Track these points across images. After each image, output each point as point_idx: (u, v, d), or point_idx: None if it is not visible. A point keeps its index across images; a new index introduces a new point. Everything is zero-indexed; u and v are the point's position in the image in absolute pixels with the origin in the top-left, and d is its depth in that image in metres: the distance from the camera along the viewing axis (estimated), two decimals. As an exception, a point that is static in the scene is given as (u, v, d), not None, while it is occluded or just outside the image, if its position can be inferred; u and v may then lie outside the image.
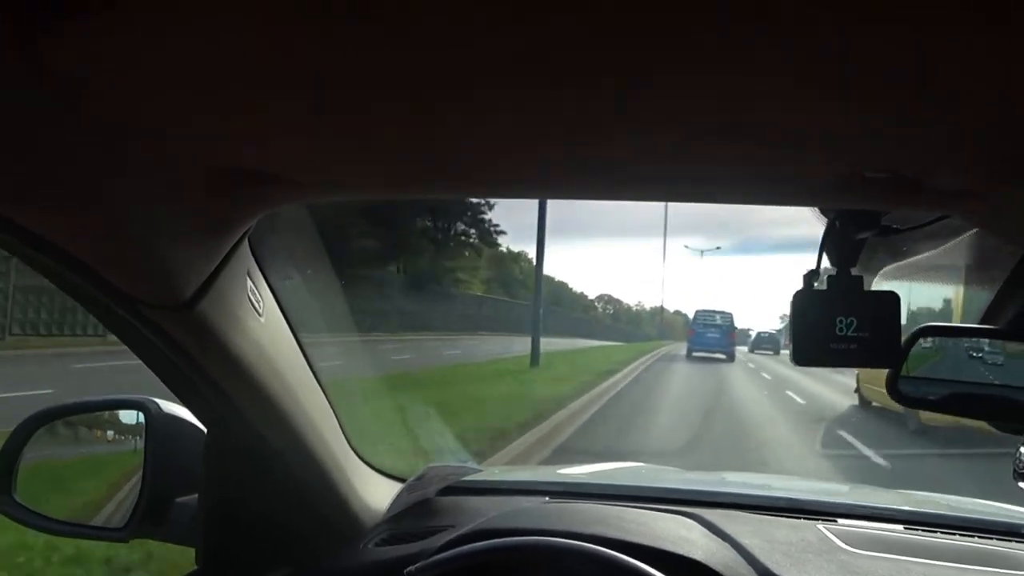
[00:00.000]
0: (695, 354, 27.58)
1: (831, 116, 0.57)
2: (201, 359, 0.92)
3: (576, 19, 0.44)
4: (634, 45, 0.47)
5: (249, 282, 0.93)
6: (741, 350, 34.35)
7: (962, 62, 0.47)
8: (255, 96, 0.56)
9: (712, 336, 28.44)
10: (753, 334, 42.90)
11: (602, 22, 0.44)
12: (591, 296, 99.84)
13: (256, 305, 0.95)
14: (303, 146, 0.69)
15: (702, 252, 67.59)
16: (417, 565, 1.10)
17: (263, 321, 0.97)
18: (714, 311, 29.97)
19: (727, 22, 0.44)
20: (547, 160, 0.71)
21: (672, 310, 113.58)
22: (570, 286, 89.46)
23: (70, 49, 0.48)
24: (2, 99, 0.52)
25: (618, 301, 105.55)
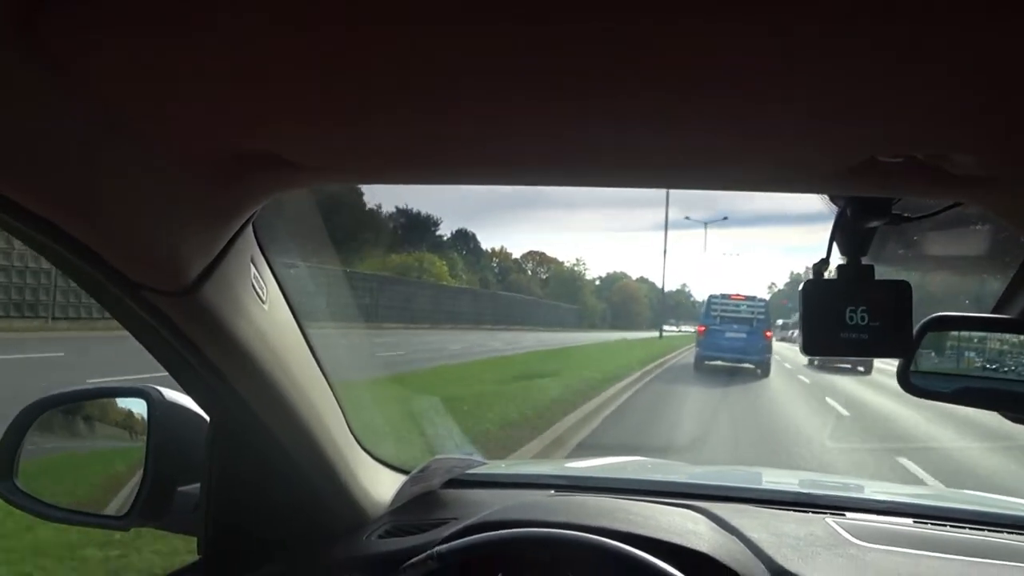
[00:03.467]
0: (709, 363, 18.30)
1: (845, 101, 0.56)
2: (203, 346, 0.91)
3: (580, 6, 0.44)
4: (643, 32, 0.46)
5: (253, 268, 0.92)
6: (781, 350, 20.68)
7: (978, 45, 0.46)
8: (259, 80, 0.56)
9: (735, 336, 18.12)
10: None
11: (606, 7, 0.44)
12: (516, 255, 76.78)
13: (259, 292, 0.94)
14: (307, 130, 0.68)
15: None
16: (447, 546, 1.10)
17: (266, 308, 0.97)
18: (737, 299, 19.20)
19: (736, 8, 0.43)
20: (553, 146, 0.70)
21: (635, 276, 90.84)
22: (479, 240, 68.31)
23: (70, 33, 0.48)
24: (6, 85, 0.52)
25: (553, 260, 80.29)
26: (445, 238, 59.75)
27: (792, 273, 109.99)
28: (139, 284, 0.80)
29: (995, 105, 0.56)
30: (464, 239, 65.27)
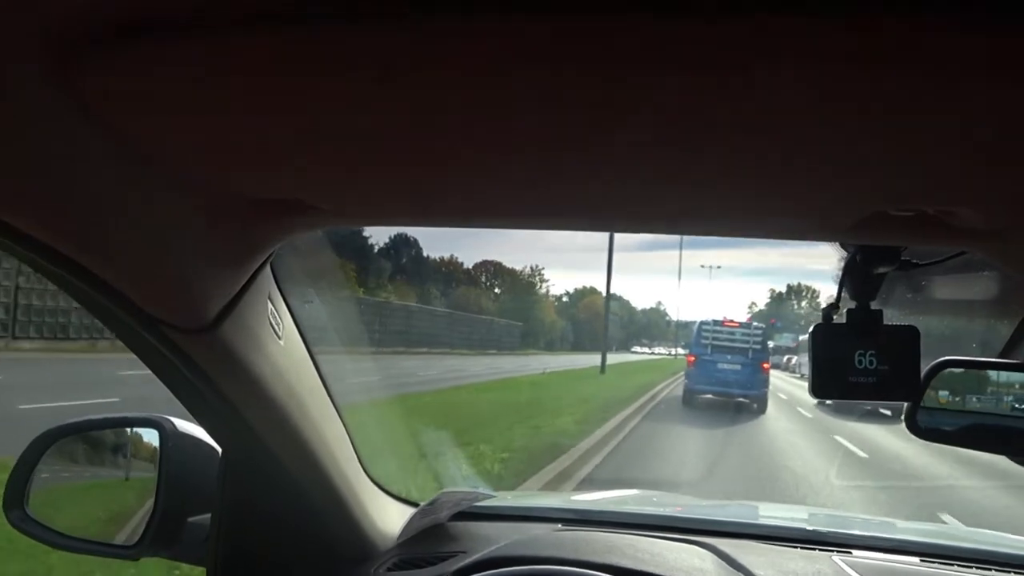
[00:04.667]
0: (701, 396, 16.30)
1: (855, 159, 0.57)
2: (220, 381, 0.92)
3: (590, 57, 0.45)
4: (652, 84, 0.47)
5: (270, 305, 0.94)
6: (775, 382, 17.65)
7: (987, 101, 0.47)
8: (282, 127, 0.57)
9: (729, 368, 16.12)
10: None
11: (616, 59, 0.45)
12: (468, 265, 69.35)
13: (276, 328, 0.96)
14: (327, 177, 0.69)
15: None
16: None
17: (282, 344, 0.98)
18: (731, 325, 17.15)
19: (748, 63, 0.44)
20: (563, 194, 0.72)
21: (594, 287, 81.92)
22: (422, 247, 60.83)
23: (101, 78, 0.49)
24: (37, 126, 0.54)
25: (510, 272, 72.60)
26: (373, 243, 52.77)
27: (772, 292, 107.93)
28: (159, 321, 0.81)
29: (1002, 162, 0.58)
30: (405, 245, 59.05)
